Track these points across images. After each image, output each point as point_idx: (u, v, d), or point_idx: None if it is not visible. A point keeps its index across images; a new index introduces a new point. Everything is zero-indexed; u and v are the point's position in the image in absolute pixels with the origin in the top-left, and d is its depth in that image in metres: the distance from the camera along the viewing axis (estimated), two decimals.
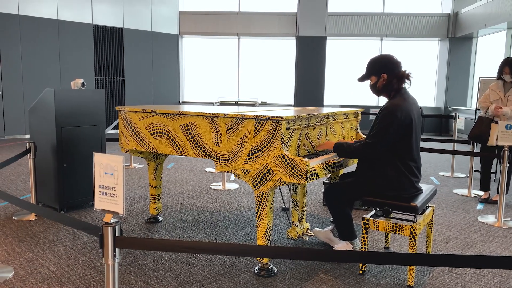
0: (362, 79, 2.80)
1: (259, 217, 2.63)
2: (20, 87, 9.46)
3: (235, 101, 11.88)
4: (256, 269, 2.70)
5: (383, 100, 12.54)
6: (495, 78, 4.53)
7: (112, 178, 1.63)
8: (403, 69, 2.69)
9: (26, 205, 2.21)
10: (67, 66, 10.10)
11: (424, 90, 12.52)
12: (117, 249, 1.64)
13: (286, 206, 4.24)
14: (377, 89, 2.74)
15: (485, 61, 11.34)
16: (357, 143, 2.68)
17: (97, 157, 1.66)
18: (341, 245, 2.87)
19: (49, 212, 2.04)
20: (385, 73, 2.66)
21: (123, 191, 1.63)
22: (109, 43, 10.82)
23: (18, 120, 9.54)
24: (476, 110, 8.23)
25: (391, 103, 2.61)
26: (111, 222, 1.64)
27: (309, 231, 3.36)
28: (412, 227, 2.52)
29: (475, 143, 4.73)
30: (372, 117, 12.01)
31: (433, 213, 2.95)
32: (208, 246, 1.58)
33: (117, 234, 1.63)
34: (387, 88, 2.69)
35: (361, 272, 2.70)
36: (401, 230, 2.56)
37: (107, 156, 1.64)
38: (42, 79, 9.74)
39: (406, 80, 2.68)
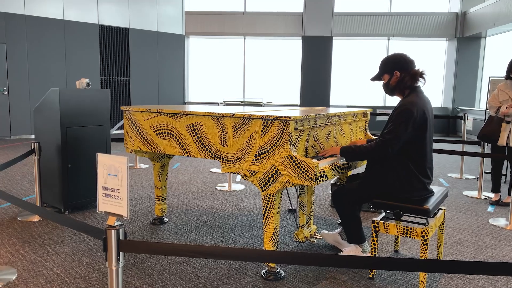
0: (374, 78, 2.75)
1: (266, 219, 2.57)
2: (26, 87, 9.47)
3: (241, 101, 11.83)
4: (263, 273, 2.64)
5: (389, 100, 12.44)
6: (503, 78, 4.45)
7: (116, 179, 1.58)
8: (416, 68, 2.63)
9: (28, 206, 2.17)
10: (73, 66, 10.10)
11: (432, 90, 12.40)
12: (121, 253, 1.59)
13: (293, 207, 4.18)
14: (390, 88, 2.68)
15: (494, 61, 11.20)
16: (369, 143, 2.60)
17: (101, 158, 1.61)
18: (350, 249, 2.80)
19: (51, 213, 1.99)
20: (397, 71, 2.62)
21: (127, 193, 1.58)
22: (114, 43, 10.81)
23: (24, 120, 9.56)
24: (485, 110, 8.12)
25: (406, 100, 2.55)
26: (115, 225, 1.58)
27: (316, 234, 3.30)
28: (424, 231, 2.45)
29: (486, 144, 4.64)
30: (379, 118, 11.91)
31: (444, 216, 2.87)
32: (214, 251, 1.52)
33: (121, 238, 1.58)
34: (400, 86, 2.63)
35: (370, 276, 2.64)
36: (413, 233, 2.49)
37: (111, 157, 1.59)
38: (48, 79, 9.75)
39: (420, 79, 2.62)
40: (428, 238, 2.44)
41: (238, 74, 12.67)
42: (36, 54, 9.53)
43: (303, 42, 12.04)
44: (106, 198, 1.62)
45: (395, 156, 2.56)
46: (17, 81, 9.33)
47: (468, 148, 8.87)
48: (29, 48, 9.42)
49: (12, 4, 9.11)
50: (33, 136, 9.73)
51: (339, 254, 2.71)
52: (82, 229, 1.77)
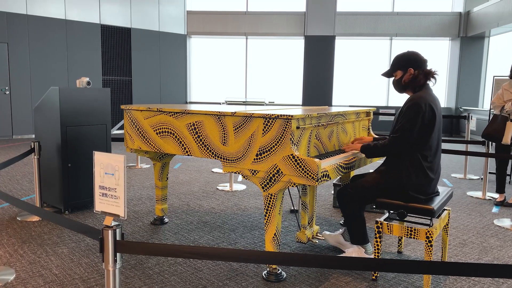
0: (386, 74, 2.75)
1: (267, 219, 2.53)
2: (28, 86, 9.46)
3: (243, 101, 11.80)
4: (265, 274, 2.60)
5: (392, 101, 12.37)
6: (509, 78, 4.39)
7: (113, 178, 1.54)
8: (429, 67, 2.63)
9: (27, 207, 2.13)
10: (75, 66, 10.08)
11: (435, 90, 12.31)
12: (118, 254, 1.55)
13: (295, 208, 4.13)
14: (402, 84, 2.68)
15: (498, 60, 11.12)
16: (383, 141, 2.61)
17: (98, 156, 1.58)
18: (353, 250, 2.76)
19: (49, 214, 1.96)
20: (412, 68, 2.62)
21: (125, 193, 1.54)
22: (116, 43, 10.79)
23: (25, 119, 9.54)
24: (489, 110, 8.06)
25: (416, 95, 2.56)
26: (112, 225, 1.55)
27: (319, 234, 3.25)
28: (428, 232, 2.40)
29: (490, 144, 4.59)
30: (382, 118, 11.85)
31: (449, 217, 2.82)
32: (214, 252, 1.48)
33: (118, 238, 1.54)
34: (413, 83, 2.63)
35: (374, 277, 2.59)
36: (417, 234, 2.44)
37: (108, 156, 1.55)
38: (49, 79, 9.74)
39: (431, 78, 2.62)
40: (432, 239, 2.40)
41: (240, 74, 12.64)
42: (38, 54, 9.52)
43: (305, 42, 11.99)
44: (103, 197, 1.58)
45: (405, 150, 2.54)
46: (18, 80, 9.32)
47: (471, 148, 8.80)
48: (31, 47, 9.40)
49: (14, 3, 9.10)
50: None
51: (341, 255, 2.67)
52: (79, 229, 1.73)
